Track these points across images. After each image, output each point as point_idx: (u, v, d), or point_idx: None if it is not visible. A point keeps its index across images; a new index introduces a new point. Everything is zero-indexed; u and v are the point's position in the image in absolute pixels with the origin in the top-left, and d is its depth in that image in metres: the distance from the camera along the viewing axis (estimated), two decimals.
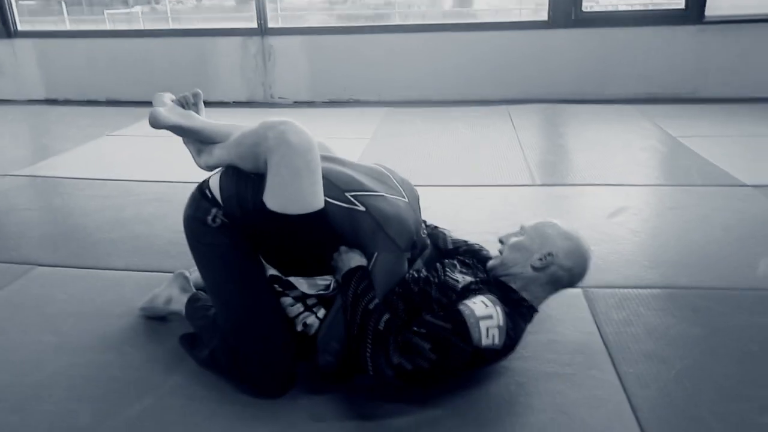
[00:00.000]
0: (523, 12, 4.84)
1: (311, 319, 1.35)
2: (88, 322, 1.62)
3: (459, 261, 1.46)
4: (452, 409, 1.27)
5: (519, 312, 1.31)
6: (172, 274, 1.66)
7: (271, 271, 1.38)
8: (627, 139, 3.39)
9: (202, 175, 1.46)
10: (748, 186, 2.55)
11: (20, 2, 5.06)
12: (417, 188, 1.54)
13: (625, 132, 3.55)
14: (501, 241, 1.42)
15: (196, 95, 1.57)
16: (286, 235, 1.29)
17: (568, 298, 1.71)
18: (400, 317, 1.28)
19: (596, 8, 4.36)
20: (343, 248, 1.32)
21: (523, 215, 2.33)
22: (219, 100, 4.58)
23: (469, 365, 1.25)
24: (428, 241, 1.56)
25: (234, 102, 4.68)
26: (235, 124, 1.49)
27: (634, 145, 3.27)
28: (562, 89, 4.34)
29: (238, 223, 1.34)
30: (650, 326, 1.57)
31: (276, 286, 1.37)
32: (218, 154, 1.44)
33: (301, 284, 1.36)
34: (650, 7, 4.67)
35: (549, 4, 4.23)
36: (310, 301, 1.37)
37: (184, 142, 1.56)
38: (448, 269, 1.40)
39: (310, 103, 4.60)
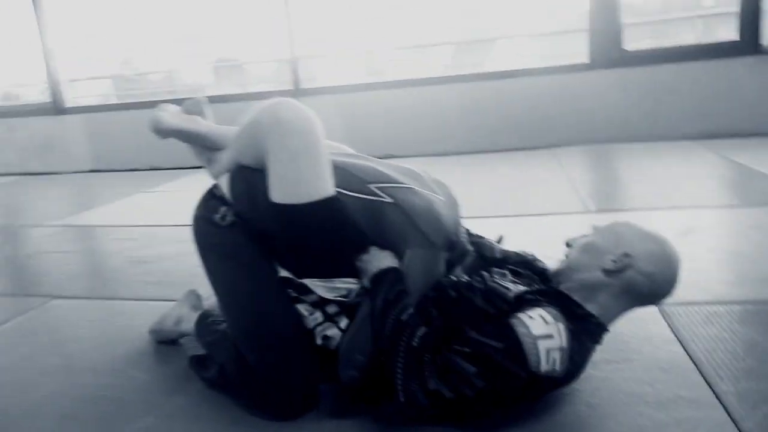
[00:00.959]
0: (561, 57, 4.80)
1: (332, 331, 1.17)
2: (96, 347, 1.55)
3: (510, 270, 1.26)
4: None
5: (586, 330, 1.09)
6: (183, 293, 1.54)
7: (283, 273, 1.23)
8: (689, 170, 3.16)
9: None
10: None
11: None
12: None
13: (686, 164, 3.32)
14: (568, 244, 1.23)
15: (198, 101, 1.51)
16: (301, 235, 1.15)
17: (642, 313, 1.48)
18: (438, 331, 1.08)
19: (640, 47, 4.28)
20: (372, 248, 1.17)
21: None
22: None
23: (522, 394, 1.03)
24: (470, 248, 1.39)
25: None
26: None
27: (699, 174, 3.03)
28: (609, 132, 4.18)
29: (249, 223, 1.21)
30: (750, 342, 1.32)
31: (290, 290, 1.21)
32: (226, 157, 1.33)
33: (317, 287, 1.20)
34: (701, 41, 4.55)
35: (589, 46, 4.19)
36: (330, 309, 1.19)
37: (195, 154, 1.48)
38: (496, 276, 1.21)
39: None
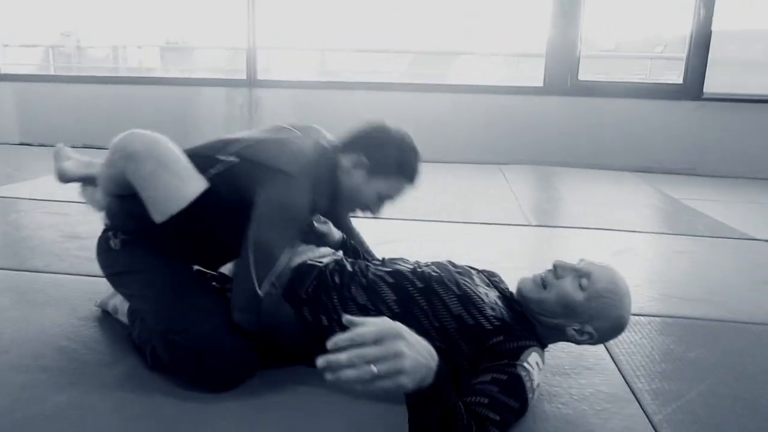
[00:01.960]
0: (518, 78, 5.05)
1: None
2: (25, 317, 1.50)
3: (475, 270, 1.34)
4: None
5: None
6: None
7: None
8: (627, 197, 3.40)
9: None
10: (759, 240, 2.52)
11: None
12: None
13: (624, 192, 3.58)
14: (555, 267, 1.20)
15: (60, 150, 1.63)
16: (192, 230, 1.24)
17: None
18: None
19: (593, 78, 4.56)
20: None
21: (519, 250, 2.28)
22: None
23: None
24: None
25: None
26: None
27: (634, 202, 3.28)
28: (555, 155, 4.43)
29: (140, 234, 1.30)
30: (666, 350, 1.48)
31: (214, 283, 1.33)
32: (99, 194, 1.45)
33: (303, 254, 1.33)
34: (649, 80, 4.90)
35: (545, 71, 4.42)
36: None
37: (82, 192, 1.60)
38: (467, 279, 1.25)
39: None
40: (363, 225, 1.70)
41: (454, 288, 1.20)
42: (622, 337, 1.50)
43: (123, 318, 1.43)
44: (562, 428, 1.12)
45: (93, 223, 1.57)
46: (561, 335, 1.21)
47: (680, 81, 4.33)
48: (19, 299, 1.63)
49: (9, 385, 1.18)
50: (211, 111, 4.72)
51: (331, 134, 1.45)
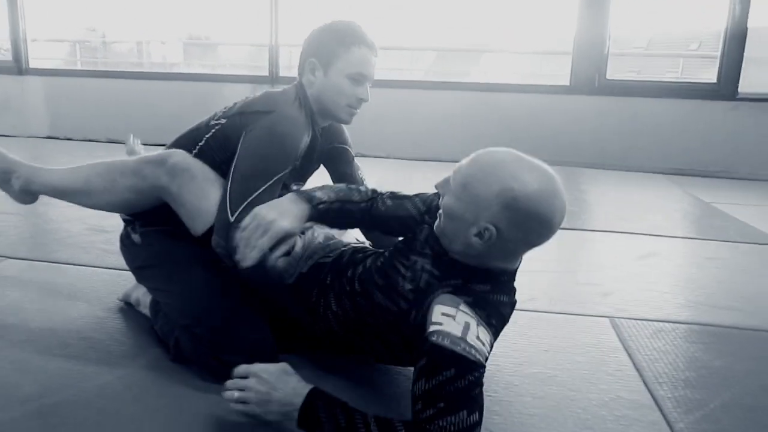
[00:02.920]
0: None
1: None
2: (52, 308, 1.56)
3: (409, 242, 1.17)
4: None
5: (496, 288, 1.07)
6: None
7: None
8: (656, 200, 3.37)
9: None
10: None
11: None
12: None
13: (653, 195, 3.54)
14: (437, 192, 1.11)
15: None
16: None
17: (592, 323, 1.64)
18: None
19: (622, 77, 4.51)
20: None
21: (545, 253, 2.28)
22: None
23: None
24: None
25: None
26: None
27: (664, 206, 3.24)
28: (582, 156, 4.39)
29: (159, 221, 1.35)
30: (690, 358, 1.47)
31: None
32: (62, 184, 1.62)
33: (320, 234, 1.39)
34: (681, 79, 4.82)
35: (571, 70, 4.39)
36: None
37: None
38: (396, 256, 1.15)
39: None
40: None
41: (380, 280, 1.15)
42: (646, 343, 1.52)
43: (145, 310, 1.48)
44: None
45: (118, 217, 1.63)
46: (476, 255, 1.04)
47: (714, 80, 4.27)
48: (46, 290, 1.69)
49: (37, 372, 1.24)
50: None
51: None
